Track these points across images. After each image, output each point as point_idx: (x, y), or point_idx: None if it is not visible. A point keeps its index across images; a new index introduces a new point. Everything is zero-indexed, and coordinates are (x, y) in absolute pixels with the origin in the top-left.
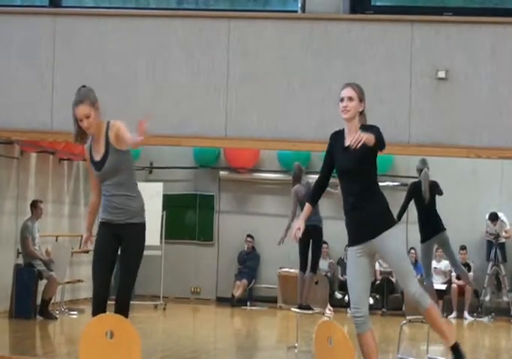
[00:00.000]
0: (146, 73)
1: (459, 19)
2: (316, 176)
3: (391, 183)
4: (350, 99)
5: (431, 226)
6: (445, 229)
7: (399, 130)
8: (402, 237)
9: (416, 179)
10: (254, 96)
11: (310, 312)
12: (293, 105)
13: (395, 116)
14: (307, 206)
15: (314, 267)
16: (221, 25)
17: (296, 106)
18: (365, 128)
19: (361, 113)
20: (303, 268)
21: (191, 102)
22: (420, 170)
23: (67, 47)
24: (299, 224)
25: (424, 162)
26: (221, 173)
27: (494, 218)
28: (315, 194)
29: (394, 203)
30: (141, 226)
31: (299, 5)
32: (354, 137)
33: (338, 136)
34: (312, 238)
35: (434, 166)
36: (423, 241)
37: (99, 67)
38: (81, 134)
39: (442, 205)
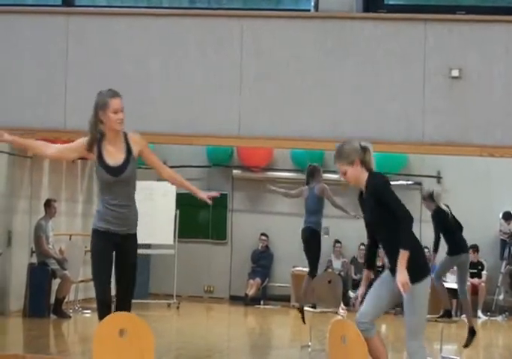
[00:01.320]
0: (159, 72)
1: (473, 18)
2: (329, 175)
3: (404, 182)
4: (344, 173)
5: (462, 243)
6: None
7: (412, 129)
8: (422, 292)
9: (432, 205)
10: (267, 95)
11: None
12: (306, 104)
13: (409, 114)
14: (366, 272)
15: (311, 270)
16: (234, 24)
17: (309, 105)
18: (370, 179)
19: (362, 162)
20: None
21: (204, 101)
22: (431, 196)
23: (80, 46)
24: (362, 291)
25: (428, 190)
26: (235, 171)
27: (508, 216)
28: (369, 261)
29: (410, 202)
30: (136, 237)
31: (312, 4)
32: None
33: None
34: (308, 240)
35: (447, 165)
36: (451, 254)
37: (112, 66)
38: (95, 140)
39: (455, 204)
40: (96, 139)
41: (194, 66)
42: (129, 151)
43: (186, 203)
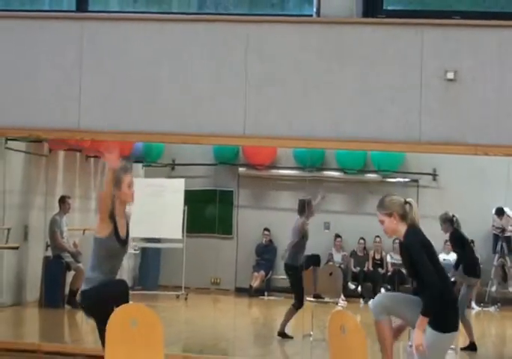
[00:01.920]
0: (168, 75)
1: (467, 23)
2: (329, 173)
3: (401, 179)
4: (381, 222)
5: (479, 266)
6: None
7: (410, 129)
8: (444, 344)
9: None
10: (272, 96)
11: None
12: (308, 105)
13: (406, 115)
14: None
15: (296, 302)
16: (240, 29)
17: (311, 106)
18: (406, 236)
19: (402, 217)
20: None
21: (211, 103)
22: (451, 220)
23: (94, 50)
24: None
25: (446, 213)
26: (240, 169)
27: (500, 212)
28: None
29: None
30: None
31: (314, 10)
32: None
33: None
34: (288, 276)
35: (443, 163)
36: (469, 275)
37: (124, 69)
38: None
39: (450, 200)
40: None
41: (201, 70)
42: (128, 225)
43: (194, 199)
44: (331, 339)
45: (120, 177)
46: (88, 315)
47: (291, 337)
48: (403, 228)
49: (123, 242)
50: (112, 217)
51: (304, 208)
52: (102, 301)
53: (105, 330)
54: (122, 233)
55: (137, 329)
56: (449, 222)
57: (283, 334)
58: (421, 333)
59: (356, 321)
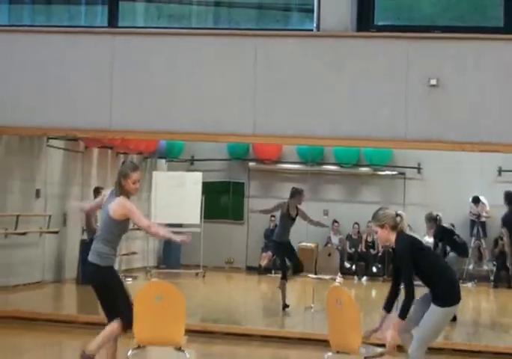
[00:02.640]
0: (188, 82)
1: (447, 36)
2: (327, 167)
3: (390, 172)
4: (376, 232)
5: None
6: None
7: (397, 128)
8: (445, 317)
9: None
10: (277, 100)
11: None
12: (310, 108)
13: (394, 116)
14: (383, 313)
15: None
16: (250, 42)
17: (312, 109)
18: (396, 242)
19: (393, 227)
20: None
21: (225, 106)
22: (435, 219)
23: (123, 60)
24: (377, 329)
25: (431, 213)
26: (250, 164)
27: (476, 200)
28: (388, 304)
29: (394, 188)
30: None
31: (314, 25)
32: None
33: None
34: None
35: (426, 158)
36: (462, 256)
37: (150, 77)
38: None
39: (433, 190)
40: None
41: (216, 77)
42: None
43: (210, 190)
44: (329, 311)
45: (128, 173)
46: (90, 284)
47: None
48: (393, 237)
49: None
50: None
51: (293, 196)
52: (113, 284)
53: (106, 301)
54: None
55: (161, 303)
56: (433, 221)
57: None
58: (397, 334)
59: (350, 296)
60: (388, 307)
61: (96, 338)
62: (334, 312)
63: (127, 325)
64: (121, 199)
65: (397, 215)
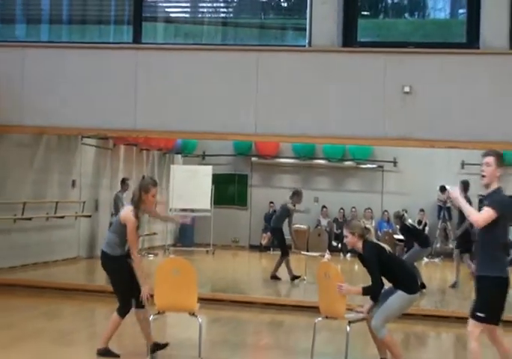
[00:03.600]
0: (200, 90)
1: (418, 51)
2: (317, 161)
3: (371, 166)
4: (346, 237)
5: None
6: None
7: (377, 128)
8: (403, 301)
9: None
10: (276, 105)
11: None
12: (303, 111)
13: (374, 118)
14: (373, 303)
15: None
16: (252, 56)
17: (306, 112)
18: (364, 248)
19: (361, 236)
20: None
21: (231, 110)
22: (401, 217)
23: (145, 71)
24: (366, 309)
25: (398, 212)
26: (253, 159)
27: (443, 189)
28: (377, 297)
29: (374, 180)
30: None
31: (307, 41)
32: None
33: None
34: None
35: (401, 153)
36: (425, 247)
37: (168, 85)
38: (140, 211)
39: (407, 181)
40: (140, 210)
41: (224, 86)
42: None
43: (219, 181)
44: (319, 282)
45: (149, 188)
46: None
47: (280, 279)
48: (359, 243)
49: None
50: (137, 215)
51: (293, 195)
52: (117, 272)
53: (112, 286)
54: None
55: (178, 276)
56: (399, 218)
57: (274, 277)
58: (356, 291)
59: (337, 270)
60: (377, 298)
61: (103, 334)
62: (323, 283)
63: (124, 311)
64: (130, 212)
65: (366, 228)
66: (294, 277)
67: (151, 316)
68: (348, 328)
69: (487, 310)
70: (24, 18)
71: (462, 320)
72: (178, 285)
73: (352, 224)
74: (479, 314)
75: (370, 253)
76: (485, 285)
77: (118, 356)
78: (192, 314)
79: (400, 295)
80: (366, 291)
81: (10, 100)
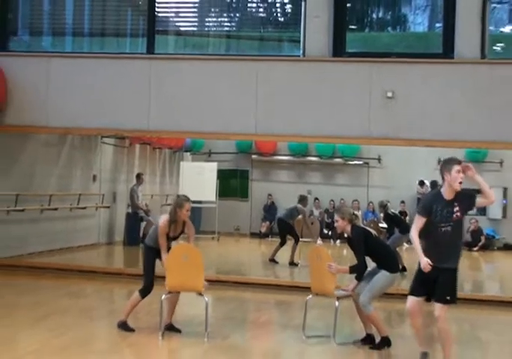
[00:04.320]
0: (206, 94)
1: (401, 60)
2: (310, 158)
3: (357, 162)
4: (337, 221)
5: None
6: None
7: (363, 129)
8: (384, 282)
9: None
10: (274, 108)
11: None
12: (298, 114)
13: (361, 120)
14: (357, 282)
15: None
16: (253, 65)
17: (301, 114)
18: (352, 231)
19: (350, 220)
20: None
21: (234, 113)
22: (384, 206)
23: (158, 78)
24: (352, 287)
25: (382, 201)
26: (253, 156)
27: (422, 183)
28: (361, 276)
29: (361, 175)
30: None
31: (301, 52)
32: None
33: None
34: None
35: (385, 151)
36: (404, 233)
37: (178, 91)
38: (173, 222)
39: (390, 175)
40: (173, 222)
41: (228, 91)
42: (183, 229)
43: (223, 176)
44: (311, 264)
45: (183, 204)
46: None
47: (277, 262)
48: (348, 227)
49: (171, 239)
50: (170, 226)
51: (302, 200)
52: (145, 258)
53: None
54: (171, 234)
55: (187, 261)
56: (383, 207)
57: (292, 263)
58: (343, 270)
59: (327, 253)
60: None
61: (123, 309)
62: (314, 264)
63: (144, 293)
64: (164, 221)
65: (354, 214)
66: (292, 263)
67: (163, 296)
68: (337, 303)
69: (454, 293)
70: (49, 31)
71: None
72: (187, 268)
73: (343, 210)
74: (448, 298)
75: (358, 237)
76: (453, 275)
77: (133, 330)
78: (199, 294)
79: (383, 274)
80: (352, 269)
81: (38, 104)
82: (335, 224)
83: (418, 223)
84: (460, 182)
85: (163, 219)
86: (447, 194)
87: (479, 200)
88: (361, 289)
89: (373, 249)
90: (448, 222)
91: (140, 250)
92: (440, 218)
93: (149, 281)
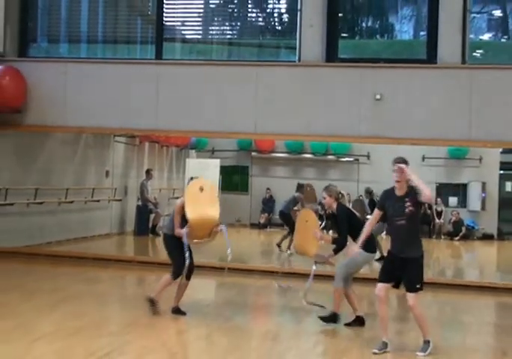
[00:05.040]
0: (209, 97)
1: (388, 65)
2: (305, 155)
3: (348, 159)
4: (324, 198)
5: None
6: None
7: (353, 128)
8: (359, 259)
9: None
10: (271, 110)
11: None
12: (294, 114)
13: (351, 120)
14: (333, 253)
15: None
16: (252, 70)
17: (296, 115)
18: (337, 208)
19: (336, 199)
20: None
21: (236, 114)
22: (370, 192)
23: (165, 82)
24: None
25: (368, 188)
26: (253, 153)
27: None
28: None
29: (351, 171)
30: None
31: (297, 58)
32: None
33: None
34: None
35: (374, 149)
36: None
37: (184, 94)
38: None
39: (378, 172)
40: None
41: (230, 94)
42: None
43: (225, 171)
44: (298, 225)
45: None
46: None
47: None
48: (334, 204)
49: (185, 220)
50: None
51: (300, 188)
52: (170, 246)
53: (168, 256)
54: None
55: (202, 193)
56: (369, 194)
57: (279, 246)
58: (328, 239)
59: (315, 218)
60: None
61: (155, 287)
62: (302, 227)
63: (175, 276)
64: (181, 202)
65: (340, 192)
66: (279, 246)
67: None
68: (314, 267)
69: (421, 280)
70: (66, 38)
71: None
72: (203, 200)
73: (330, 188)
74: (418, 286)
75: (342, 214)
76: (419, 263)
77: (185, 313)
78: (216, 225)
79: (360, 253)
80: (334, 240)
81: (56, 106)
82: (323, 201)
83: (374, 215)
84: (397, 181)
85: (180, 201)
86: (398, 190)
87: (420, 197)
88: (341, 264)
89: (354, 228)
90: (402, 216)
91: (149, 240)
92: (393, 212)
93: (180, 264)
